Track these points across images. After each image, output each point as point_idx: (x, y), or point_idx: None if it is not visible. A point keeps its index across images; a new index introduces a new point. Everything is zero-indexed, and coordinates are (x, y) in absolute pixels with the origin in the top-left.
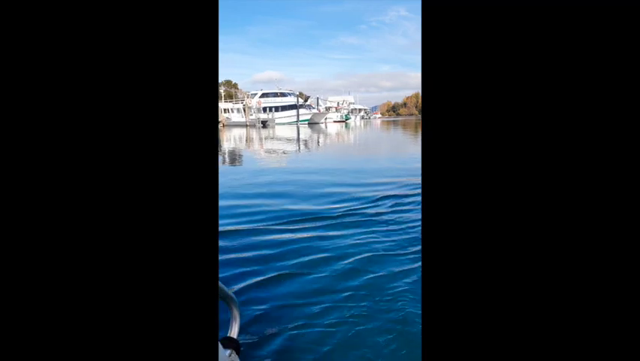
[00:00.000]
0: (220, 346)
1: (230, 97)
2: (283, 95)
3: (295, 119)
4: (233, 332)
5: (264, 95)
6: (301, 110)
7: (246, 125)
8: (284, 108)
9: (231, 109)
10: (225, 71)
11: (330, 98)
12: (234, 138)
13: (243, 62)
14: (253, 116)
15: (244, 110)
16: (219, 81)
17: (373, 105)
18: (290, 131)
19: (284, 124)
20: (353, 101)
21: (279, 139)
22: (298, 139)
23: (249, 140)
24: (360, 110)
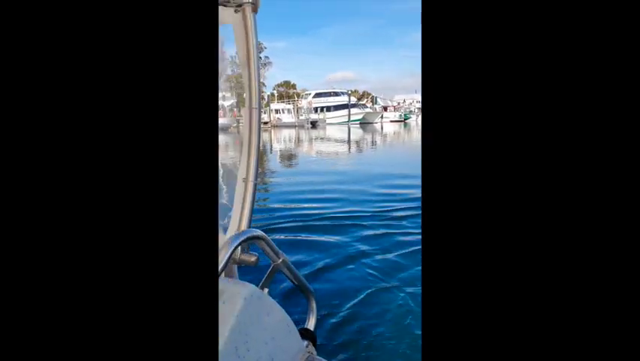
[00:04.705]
0: (299, 336)
1: (288, 97)
2: (336, 94)
3: (347, 119)
4: (310, 323)
5: (317, 95)
6: (353, 110)
7: (295, 126)
8: (336, 108)
9: (282, 109)
10: (297, 73)
11: (395, 97)
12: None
13: (317, 64)
14: (303, 117)
15: (295, 111)
16: (278, 82)
17: None
18: (339, 132)
19: (335, 124)
20: (420, 99)
21: (324, 140)
22: (349, 140)
23: (298, 141)
24: None
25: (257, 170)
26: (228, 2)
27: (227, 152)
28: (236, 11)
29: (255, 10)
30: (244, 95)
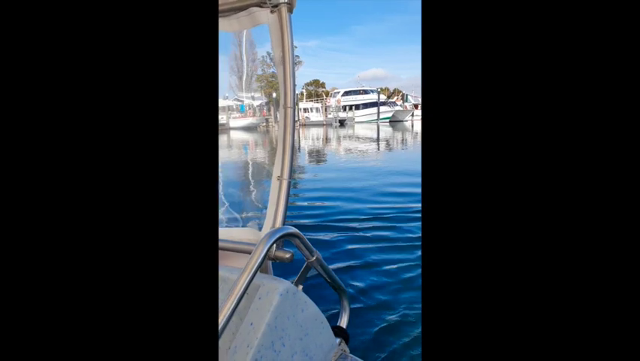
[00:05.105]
0: (332, 333)
1: (317, 96)
2: (365, 92)
3: (376, 117)
4: (343, 321)
5: (346, 93)
6: (383, 108)
7: (323, 125)
8: (365, 106)
9: (310, 108)
10: (327, 71)
11: None
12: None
13: (348, 62)
14: (331, 115)
15: (324, 110)
16: (307, 81)
17: None
18: (367, 131)
19: (364, 122)
20: None
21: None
22: (377, 138)
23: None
24: None
25: (291, 168)
26: (264, 3)
27: (256, 150)
28: (272, 12)
29: (290, 11)
30: (274, 94)
